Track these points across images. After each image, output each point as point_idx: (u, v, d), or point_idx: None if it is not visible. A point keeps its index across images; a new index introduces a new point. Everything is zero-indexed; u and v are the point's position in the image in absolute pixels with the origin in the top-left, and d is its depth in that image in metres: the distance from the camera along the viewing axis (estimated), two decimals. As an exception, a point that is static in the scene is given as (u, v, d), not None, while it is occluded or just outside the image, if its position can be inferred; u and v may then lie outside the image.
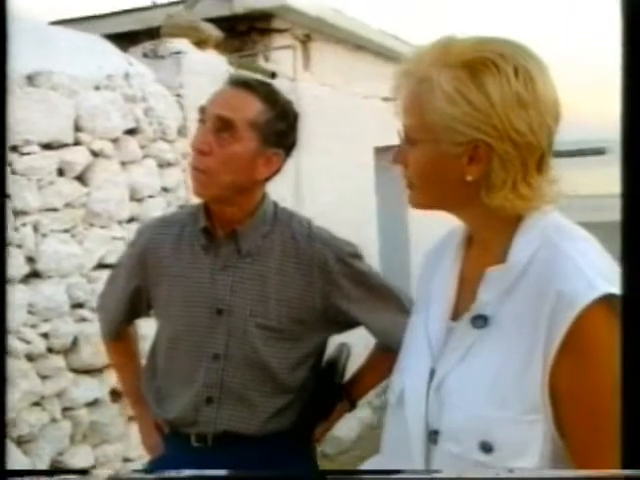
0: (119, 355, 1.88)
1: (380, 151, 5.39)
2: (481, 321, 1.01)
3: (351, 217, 4.34)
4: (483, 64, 0.96)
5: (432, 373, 1.05)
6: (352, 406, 1.72)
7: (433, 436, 1.03)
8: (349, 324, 1.63)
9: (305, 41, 5.05)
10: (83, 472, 1.01)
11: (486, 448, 0.96)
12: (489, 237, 1.05)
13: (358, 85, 5.49)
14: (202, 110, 1.51)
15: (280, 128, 1.50)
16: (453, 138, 0.98)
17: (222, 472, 1.07)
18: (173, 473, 0.98)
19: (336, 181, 4.76)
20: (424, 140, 1.01)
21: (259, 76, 4.01)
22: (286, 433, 1.58)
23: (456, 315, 1.07)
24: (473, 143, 0.97)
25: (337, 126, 4.74)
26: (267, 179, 1.56)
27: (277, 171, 1.55)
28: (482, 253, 1.06)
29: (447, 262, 1.13)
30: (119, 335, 1.84)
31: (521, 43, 1.01)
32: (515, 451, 0.94)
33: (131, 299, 1.71)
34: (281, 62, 4.68)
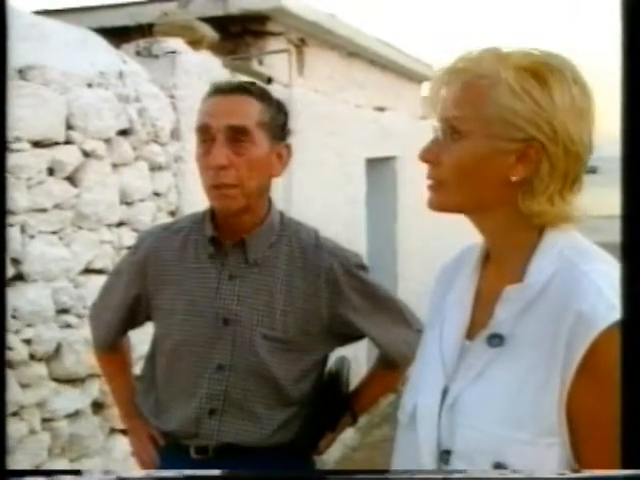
0: (112, 366, 1.83)
1: (371, 162, 5.34)
2: (497, 340, 0.99)
3: (340, 229, 4.29)
4: (547, 69, 0.97)
5: (445, 392, 1.03)
6: (354, 420, 1.71)
7: (445, 456, 1.00)
8: (354, 336, 1.61)
9: (299, 46, 4.98)
10: (83, 473, 0.98)
11: (500, 469, 0.93)
12: (507, 253, 1.03)
13: (351, 93, 5.44)
14: (204, 129, 1.47)
15: (282, 121, 1.53)
16: (509, 134, 0.96)
17: (223, 472, 1.08)
18: (172, 473, 0.98)
19: (326, 192, 4.70)
20: (475, 133, 0.98)
21: (254, 80, 3.95)
22: (289, 445, 1.55)
23: (471, 333, 1.05)
24: (528, 142, 0.96)
25: (329, 135, 4.68)
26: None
27: (287, 164, 1.56)
28: (499, 271, 1.04)
29: (463, 279, 1.11)
30: (113, 346, 1.78)
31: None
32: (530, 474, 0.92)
33: (129, 308, 1.66)
34: (275, 66, 4.61)
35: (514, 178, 0.97)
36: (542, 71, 0.97)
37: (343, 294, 1.54)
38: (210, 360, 1.52)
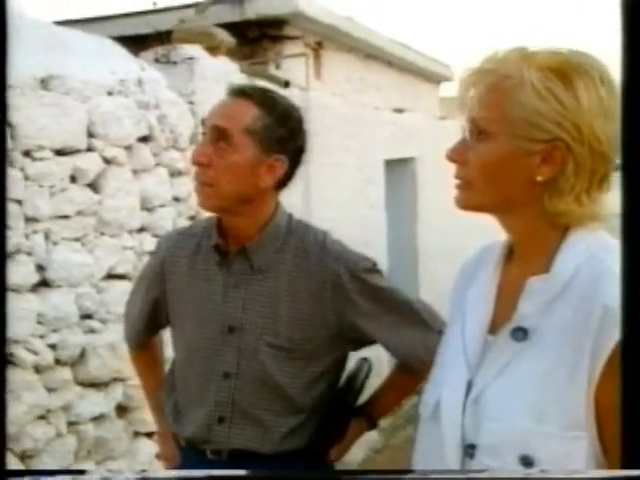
0: (142, 364, 1.86)
1: (390, 164, 5.34)
2: (521, 334, 0.99)
3: (360, 232, 4.29)
4: (573, 69, 0.97)
5: (469, 386, 1.03)
6: (372, 426, 1.68)
7: (470, 450, 1.00)
8: (365, 341, 1.58)
9: (317, 49, 5.00)
10: (84, 472, 0.99)
11: (526, 462, 0.94)
12: (532, 250, 1.03)
13: (369, 95, 5.44)
14: (203, 123, 1.51)
15: (280, 133, 1.47)
16: (534, 135, 0.97)
17: (224, 472, 1.07)
18: (199, 474, 0.98)
19: (346, 195, 4.70)
20: (500, 134, 0.99)
21: (271, 85, 3.97)
22: (300, 452, 1.54)
23: (494, 328, 1.05)
24: (553, 143, 0.96)
25: (347, 138, 4.68)
26: (277, 188, 1.52)
27: (285, 179, 1.52)
28: (523, 267, 1.04)
29: (485, 274, 1.11)
30: (142, 344, 1.82)
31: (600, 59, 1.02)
32: (557, 467, 0.92)
33: (151, 311, 1.69)
34: (292, 70, 4.63)
35: (539, 178, 0.98)
36: (567, 71, 0.97)
37: (350, 299, 1.50)
38: (217, 368, 1.52)
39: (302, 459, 1.54)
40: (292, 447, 1.53)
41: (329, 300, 1.50)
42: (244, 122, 1.44)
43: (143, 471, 0.98)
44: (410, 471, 1.05)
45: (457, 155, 1.03)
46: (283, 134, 1.48)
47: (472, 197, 1.04)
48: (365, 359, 1.70)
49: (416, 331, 1.54)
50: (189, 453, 1.60)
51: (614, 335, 0.90)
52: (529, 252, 1.04)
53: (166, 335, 1.84)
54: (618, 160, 0.99)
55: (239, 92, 1.49)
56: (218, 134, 1.45)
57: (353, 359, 1.68)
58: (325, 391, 1.57)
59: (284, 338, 1.50)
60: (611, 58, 0.96)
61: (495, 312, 1.07)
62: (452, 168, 1.06)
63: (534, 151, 0.97)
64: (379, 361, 1.78)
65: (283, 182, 1.52)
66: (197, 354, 1.55)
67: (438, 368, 1.14)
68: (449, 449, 1.03)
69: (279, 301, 1.50)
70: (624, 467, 0.87)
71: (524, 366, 0.98)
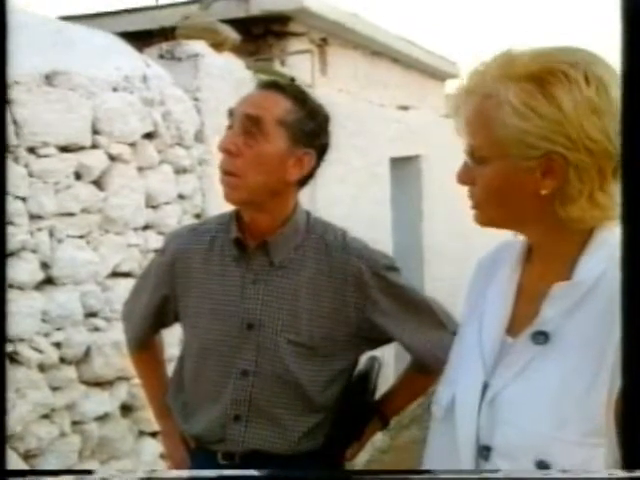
0: (144, 366, 1.83)
1: (396, 162, 5.31)
2: (542, 337, 0.98)
3: (365, 229, 4.25)
4: (551, 74, 0.94)
5: (485, 387, 1.01)
6: (384, 425, 1.68)
7: (484, 452, 0.99)
8: (383, 340, 1.58)
9: (322, 45, 4.97)
10: (84, 472, 0.98)
11: (542, 467, 0.92)
12: (553, 254, 1.02)
13: (374, 92, 5.41)
14: (230, 113, 1.47)
15: (310, 127, 1.47)
16: (526, 153, 0.95)
17: (225, 472, 1.07)
18: (211, 473, 0.96)
19: (351, 192, 4.68)
20: (495, 157, 0.98)
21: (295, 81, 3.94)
22: (317, 452, 1.53)
23: (512, 329, 1.04)
24: (547, 156, 0.94)
25: (353, 135, 4.66)
26: (300, 183, 1.51)
27: (310, 174, 1.51)
28: (545, 268, 1.03)
29: (504, 274, 1.09)
30: (144, 345, 1.79)
31: (590, 50, 0.98)
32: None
33: (158, 309, 1.66)
34: (297, 67, 4.60)
35: (544, 192, 0.97)
36: (547, 78, 0.94)
37: (371, 297, 1.50)
38: (235, 365, 1.50)
39: (317, 460, 1.53)
40: (308, 448, 1.52)
41: (350, 297, 1.49)
42: (277, 113, 1.43)
43: (153, 471, 0.96)
44: (424, 471, 1.05)
45: (464, 178, 1.03)
46: (313, 128, 1.47)
47: (486, 216, 1.04)
48: (375, 357, 1.69)
49: (434, 330, 1.54)
50: (198, 455, 1.59)
51: None
52: (550, 256, 1.03)
53: (166, 335, 1.82)
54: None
55: (271, 85, 1.48)
56: (250, 122, 1.42)
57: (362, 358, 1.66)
58: (341, 390, 1.56)
59: (305, 335, 1.48)
60: (611, 57, 0.93)
61: (514, 314, 1.06)
62: (457, 166, 1.06)
63: (531, 168, 0.96)
64: (384, 362, 1.76)
65: (306, 178, 1.51)
66: (213, 351, 1.52)
67: (452, 367, 1.13)
68: (463, 450, 1.02)
69: (299, 298, 1.49)
70: (624, 467, 0.87)
71: (543, 371, 0.97)
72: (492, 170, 0.99)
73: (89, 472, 0.81)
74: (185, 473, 1.40)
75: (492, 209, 1.03)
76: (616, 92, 0.94)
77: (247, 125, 1.42)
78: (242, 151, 1.42)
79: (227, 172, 1.44)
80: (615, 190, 0.96)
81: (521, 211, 1.00)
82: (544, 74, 0.94)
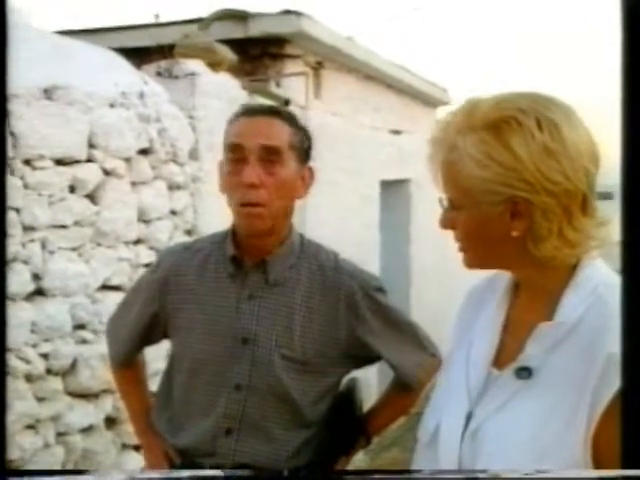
0: (127, 382, 1.83)
1: (386, 185, 5.37)
2: (525, 372, 1.01)
3: (354, 251, 4.29)
4: (505, 122, 0.98)
5: (469, 417, 1.04)
6: (368, 442, 1.70)
7: None
8: (370, 359, 1.62)
9: (317, 68, 5.04)
10: (83, 472, 0.99)
11: None
12: (539, 288, 1.06)
13: (366, 116, 5.48)
14: (235, 148, 1.50)
15: (307, 145, 1.56)
16: (491, 199, 1.00)
17: (226, 473, 1.06)
18: (174, 474, 0.97)
19: (341, 214, 4.72)
20: (465, 205, 1.03)
21: (273, 102, 3.99)
22: (305, 468, 1.55)
23: (498, 361, 1.07)
24: (511, 200, 0.99)
25: (344, 158, 4.72)
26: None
27: (309, 186, 1.59)
28: (530, 303, 1.07)
29: (492, 306, 1.13)
30: (128, 362, 1.79)
31: (543, 94, 1.03)
32: None
33: (147, 325, 1.67)
34: (292, 88, 4.66)
35: (515, 234, 1.00)
36: (503, 128, 0.98)
37: (362, 317, 1.54)
38: (228, 379, 1.52)
39: (304, 477, 1.52)
40: (298, 463, 1.54)
41: (342, 316, 1.54)
42: (286, 139, 1.50)
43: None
44: (414, 471, 1.07)
45: (446, 223, 1.08)
46: (310, 145, 1.57)
47: (470, 259, 1.09)
48: (355, 377, 1.71)
49: (416, 351, 1.60)
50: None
51: (615, 383, 0.91)
52: (536, 292, 1.06)
53: (151, 350, 1.83)
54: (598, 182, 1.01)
55: (268, 111, 1.54)
56: (268, 153, 1.48)
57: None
58: (329, 407, 1.59)
59: (298, 351, 1.52)
60: (611, 57, 0.96)
61: (501, 346, 1.09)
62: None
63: (500, 212, 1.00)
64: (367, 383, 1.79)
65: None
66: (206, 365, 1.54)
67: (439, 393, 1.15)
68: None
69: (294, 315, 1.53)
70: (624, 467, 0.88)
71: (525, 405, 1.00)
72: (466, 216, 1.04)
73: (85, 472, 0.83)
74: (163, 473, 1.39)
75: (475, 252, 1.07)
76: (572, 132, 0.98)
77: (266, 156, 1.48)
78: (264, 181, 1.47)
79: (252, 204, 1.47)
80: (586, 226, 0.99)
81: (500, 252, 1.05)
82: (499, 122, 0.98)
